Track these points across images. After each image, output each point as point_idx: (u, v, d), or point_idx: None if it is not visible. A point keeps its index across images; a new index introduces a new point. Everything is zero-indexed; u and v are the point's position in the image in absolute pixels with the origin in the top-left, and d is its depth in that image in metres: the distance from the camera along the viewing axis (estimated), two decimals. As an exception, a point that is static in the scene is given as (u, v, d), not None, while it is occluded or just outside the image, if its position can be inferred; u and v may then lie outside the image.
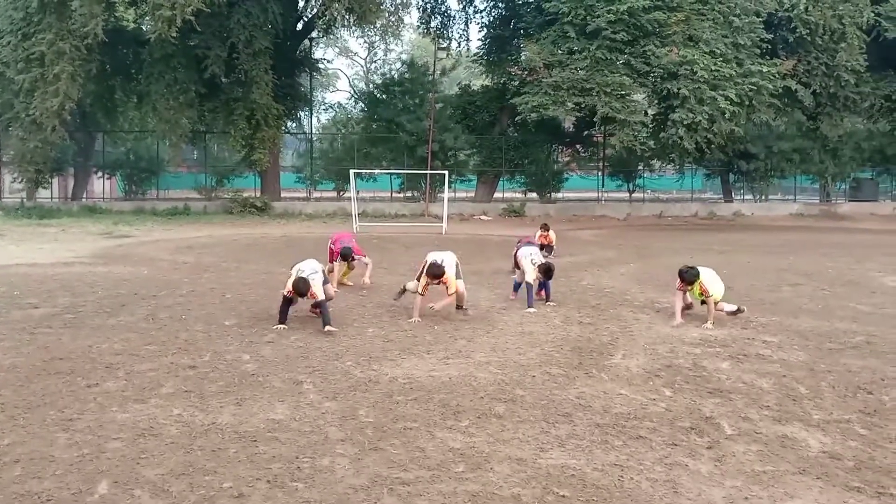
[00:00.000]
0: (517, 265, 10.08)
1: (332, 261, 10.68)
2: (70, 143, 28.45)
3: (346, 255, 10.59)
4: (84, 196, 30.79)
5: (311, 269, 8.10)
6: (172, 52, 24.07)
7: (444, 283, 8.41)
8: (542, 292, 9.62)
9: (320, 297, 7.86)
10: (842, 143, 28.72)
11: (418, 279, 8.49)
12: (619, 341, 7.53)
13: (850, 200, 31.05)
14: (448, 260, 8.73)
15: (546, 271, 9.34)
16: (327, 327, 7.63)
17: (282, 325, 7.87)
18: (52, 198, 28.96)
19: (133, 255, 14.87)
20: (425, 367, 6.46)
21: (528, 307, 9.03)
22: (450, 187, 23.26)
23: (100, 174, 32.06)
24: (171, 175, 32.75)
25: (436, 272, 8.29)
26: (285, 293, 7.89)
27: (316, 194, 32.15)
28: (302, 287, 7.67)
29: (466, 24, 33.73)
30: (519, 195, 31.78)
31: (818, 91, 25.10)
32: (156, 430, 4.82)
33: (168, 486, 3.97)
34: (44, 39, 22.63)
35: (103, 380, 5.93)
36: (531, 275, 9.27)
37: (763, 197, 32.78)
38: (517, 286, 9.82)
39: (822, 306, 9.49)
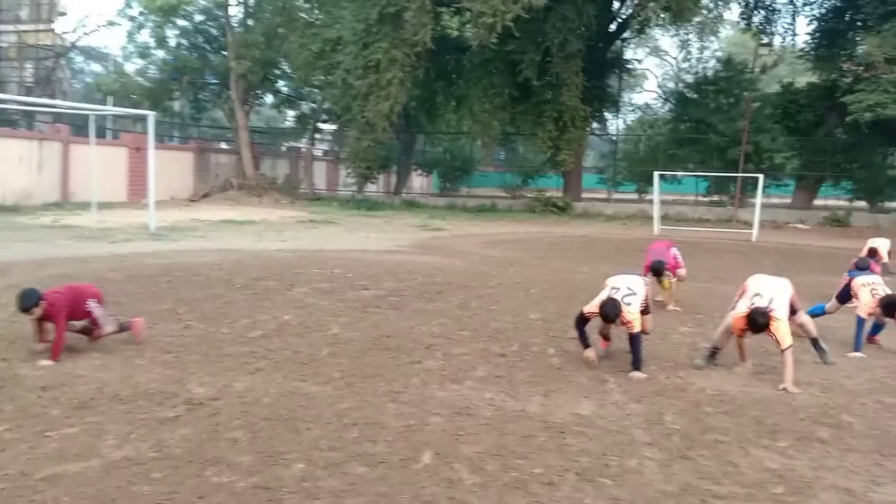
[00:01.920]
0: (846, 295, 7.88)
1: (644, 274, 9.97)
2: (395, 142, 31.32)
3: (659, 270, 9.00)
4: (404, 191, 33.67)
5: (628, 290, 6.35)
6: (490, 58, 25.37)
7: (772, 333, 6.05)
8: (877, 336, 7.64)
9: (635, 328, 6.15)
10: None
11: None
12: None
13: None
14: (779, 293, 6.46)
15: (888, 306, 7.08)
16: (635, 374, 6.06)
17: (590, 353, 6.36)
18: (377, 192, 32.04)
19: (446, 246, 15.92)
20: (737, 380, 6.12)
21: (854, 350, 7.08)
22: (763, 192, 21.70)
23: (419, 171, 34.89)
24: (480, 174, 34.60)
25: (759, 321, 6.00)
26: (586, 312, 6.32)
27: (617, 196, 31.92)
28: (611, 312, 6.07)
29: (793, 18, 31.20)
30: (844, 203, 28.73)
31: None
32: (471, 410, 5.14)
33: (484, 463, 4.21)
34: (380, 48, 25.04)
35: (424, 358, 6.45)
36: (865, 309, 7.24)
37: None
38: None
39: None
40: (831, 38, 27.85)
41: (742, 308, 6.29)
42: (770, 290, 6.42)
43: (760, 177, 21.28)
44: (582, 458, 4.34)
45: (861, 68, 23.31)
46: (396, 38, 24.74)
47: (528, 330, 7.73)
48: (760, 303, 6.22)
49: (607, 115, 33.69)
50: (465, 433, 4.68)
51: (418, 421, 4.88)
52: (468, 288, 10.28)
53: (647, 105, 39.28)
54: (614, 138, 33.73)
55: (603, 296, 6.30)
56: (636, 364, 6.10)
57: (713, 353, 6.56)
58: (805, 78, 32.47)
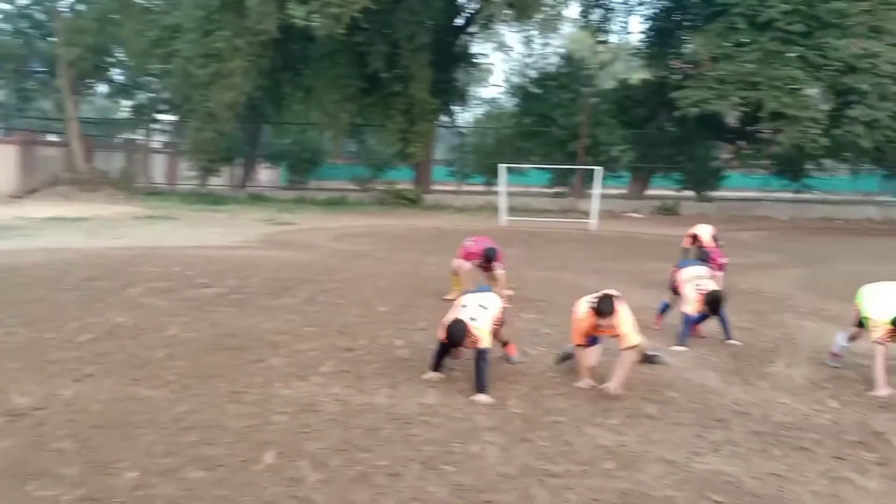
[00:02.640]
0: (675, 289, 7.68)
1: (467, 259, 8.96)
2: (240, 134, 30.36)
3: (491, 257, 8.81)
4: (250, 184, 32.73)
5: (479, 306, 5.79)
6: (337, 49, 25.07)
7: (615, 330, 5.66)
8: (700, 327, 7.49)
9: (483, 344, 5.52)
10: None
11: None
12: (781, 348, 7.14)
13: None
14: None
15: (712, 303, 7.11)
16: (479, 397, 5.33)
17: (435, 374, 5.82)
18: (221, 185, 30.92)
19: (294, 241, 15.64)
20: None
21: (679, 344, 7.03)
22: (601, 184, 22.84)
23: (266, 164, 33.99)
24: (329, 166, 34.21)
25: (605, 309, 5.59)
26: (441, 338, 5.67)
27: (466, 188, 32.53)
28: (457, 334, 5.46)
29: (628, 17, 32.96)
30: (674, 193, 30.72)
31: None
32: (316, 406, 5.07)
33: (328, 459, 4.16)
34: (222, 36, 24.15)
35: (268, 357, 6.29)
36: (691, 305, 7.17)
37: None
38: (664, 308, 7.96)
39: None
40: (662, 36, 29.59)
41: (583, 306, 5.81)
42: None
43: (598, 169, 22.34)
44: (426, 447, 4.38)
45: (689, 66, 24.94)
46: (239, 26, 23.94)
47: (376, 323, 7.72)
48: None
49: (455, 108, 34.24)
50: (309, 430, 4.61)
51: (261, 420, 4.75)
52: (315, 282, 10.13)
53: (494, 99, 40.30)
54: (463, 131, 34.33)
55: (451, 316, 5.69)
56: (480, 386, 5.40)
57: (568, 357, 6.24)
58: (639, 75, 34.40)
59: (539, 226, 20.77)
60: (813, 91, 22.86)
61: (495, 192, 28.57)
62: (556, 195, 29.91)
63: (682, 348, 6.99)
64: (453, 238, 17.11)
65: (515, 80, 39.04)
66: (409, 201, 26.57)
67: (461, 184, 32.74)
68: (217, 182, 30.58)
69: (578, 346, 5.83)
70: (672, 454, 4.42)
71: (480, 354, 5.50)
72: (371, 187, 30.84)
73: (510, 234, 18.11)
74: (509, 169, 22.79)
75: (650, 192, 30.30)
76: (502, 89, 45.54)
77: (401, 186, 28.56)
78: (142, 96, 33.96)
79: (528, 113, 30.86)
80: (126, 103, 37.08)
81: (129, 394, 5.17)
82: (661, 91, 28.24)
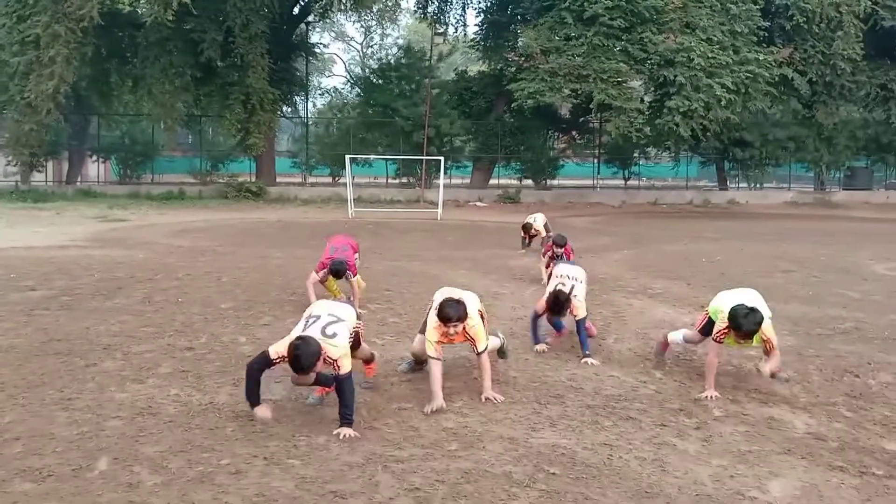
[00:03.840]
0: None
1: (318, 270, 8.03)
2: (65, 126, 28.42)
3: (339, 272, 7.87)
4: (79, 180, 30.74)
5: (330, 316, 4.82)
6: (168, 36, 23.99)
7: (467, 334, 5.23)
8: (560, 333, 6.93)
9: (343, 369, 4.56)
10: (837, 131, 28.84)
11: (423, 331, 5.38)
12: (611, 326, 7.61)
13: (844, 189, 31.18)
14: (469, 300, 5.47)
15: (555, 302, 6.34)
16: (344, 430, 4.49)
17: (262, 412, 4.67)
18: (46, 181, 28.84)
19: (128, 238, 14.90)
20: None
21: (534, 343, 6.66)
22: (445, 173, 23.34)
23: (94, 158, 31.99)
24: (165, 159, 32.73)
25: (449, 314, 5.08)
26: (272, 356, 4.62)
27: (311, 179, 32.16)
28: (303, 359, 4.38)
29: (464, 10, 33.58)
30: (514, 182, 31.82)
31: (814, 80, 25.16)
32: (154, 409, 4.89)
33: (167, 462, 4.04)
34: (39, 22, 22.52)
35: (101, 360, 6.00)
36: (540, 304, 6.62)
37: (758, 185, 32.90)
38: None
39: (812, 293, 9.59)
40: (497, 29, 30.43)
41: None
42: (458, 293, 5.53)
43: (441, 159, 22.76)
44: (271, 442, 4.35)
45: (522, 59, 25.82)
46: (58, 11, 22.43)
47: (217, 321, 7.52)
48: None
49: (297, 98, 33.72)
50: (146, 433, 4.45)
51: (93, 427, 4.53)
52: (152, 281, 9.72)
53: (336, 89, 40.02)
54: (305, 122, 33.85)
55: (293, 334, 4.69)
56: (346, 418, 4.54)
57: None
58: (477, 66, 35.26)
59: (387, 217, 20.91)
60: (636, 83, 24.39)
61: (340, 184, 28.52)
62: (402, 186, 30.21)
63: (539, 347, 6.57)
64: (300, 231, 17.06)
65: (357, 70, 39.02)
66: (252, 194, 25.99)
67: (306, 175, 32.32)
68: (41, 178, 28.49)
69: (432, 358, 5.11)
70: (512, 431, 4.63)
71: (342, 382, 4.55)
72: (211, 180, 29.82)
73: (358, 225, 18.16)
74: (355, 160, 22.77)
75: (493, 181, 31.19)
76: (344, 80, 45.27)
77: (243, 179, 27.84)
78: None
79: (371, 103, 30.94)
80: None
81: (-63, 408, 4.78)
82: (498, 83, 29.13)
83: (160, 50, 24.74)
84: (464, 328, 5.18)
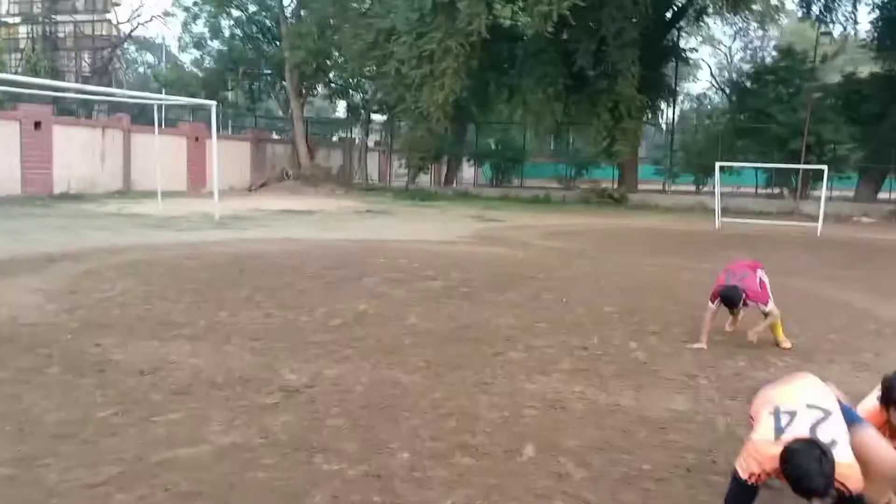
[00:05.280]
0: None
1: (712, 300, 6.75)
2: (447, 133, 31.32)
3: (733, 300, 6.57)
4: (455, 182, 33.67)
5: (814, 411, 3.20)
6: (544, 47, 25.19)
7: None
8: None
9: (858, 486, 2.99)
10: None
11: None
12: None
13: None
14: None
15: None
16: None
17: None
18: (430, 183, 32.07)
19: (506, 237, 15.86)
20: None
21: None
22: (826, 185, 21.24)
23: (471, 162, 34.81)
24: (532, 165, 34.40)
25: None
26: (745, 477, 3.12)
27: (673, 188, 31.48)
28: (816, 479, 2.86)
29: (854, 6, 30.27)
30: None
31: None
32: (563, 403, 5.09)
33: (589, 458, 4.16)
34: (434, 38, 25.02)
35: (506, 350, 6.41)
36: None
37: None
38: None
39: None
40: (894, 26, 26.95)
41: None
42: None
43: (825, 168, 20.73)
44: (688, 454, 4.26)
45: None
46: (450, 28, 24.65)
47: (605, 323, 7.63)
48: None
49: (663, 104, 33.24)
50: (562, 426, 4.63)
51: (513, 413, 4.84)
52: (537, 280, 10.20)
53: (704, 95, 38.66)
54: (671, 129, 33.23)
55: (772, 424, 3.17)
56: None
57: None
58: (868, 67, 31.58)
59: (757, 229, 19.64)
60: None
61: (705, 193, 27.46)
62: (772, 196, 28.22)
63: None
64: (666, 238, 16.75)
65: (725, 74, 37.31)
66: (613, 200, 26.20)
67: (668, 183, 31.71)
68: (425, 179, 31.75)
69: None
70: None
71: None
72: (575, 186, 30.68)
73: (726, 236, 17.35)
74: (722, 168, 21.74)
75: (884, 195, 27.71)
76: (710, 85, 43.58)
77: (605, 185, 28.19)
78: (356, 97, 35.99)
79: (742, 109, 29.37)
80: (341, 104, 39.52)
81: (387, 377, 5.46)
82: (893, 85, 25.76)
83: (536, 61, 26.04)
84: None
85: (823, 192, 20.91)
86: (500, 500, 3.62)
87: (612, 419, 4.81)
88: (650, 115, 32.35)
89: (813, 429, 3.08)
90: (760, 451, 3.08)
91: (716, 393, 5.43)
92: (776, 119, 26.78)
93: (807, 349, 6.75)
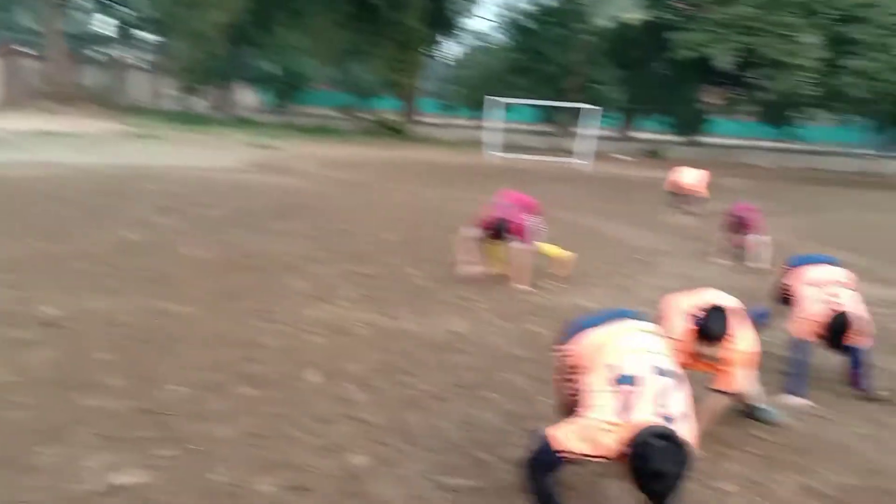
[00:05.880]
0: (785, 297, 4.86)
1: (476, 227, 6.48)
2: (223, 55, 29.58)
3: (499, 231, 6.40)
4: (232, 107, 32.07)
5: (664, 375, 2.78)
6: (328, -29, 24.37)
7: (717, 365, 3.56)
8: (857, 376, 4.48)
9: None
10: None
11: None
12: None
13: None
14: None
15: (834, 328, 4.28)
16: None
17: None
18: (205, 106, 30.25)
19: (286, 167, 15.43)
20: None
21: (791, 392, 4.32)
22: (597, 124, 22.79)
23: (248, 87, 33.22)
24: (313, 93, 33.56)
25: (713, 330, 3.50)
26: (558, 448, 2.65)
27: (453, 121, 32.22)
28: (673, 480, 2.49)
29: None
30: (661, 136, 30.73)
31: None
32: (347, 329, 5.07)
33: (372, 381, 4.19)
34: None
35: (289, 279, 6.26)
36: (804, 328, 4.40)
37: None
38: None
39: None
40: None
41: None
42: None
43: (597, 108, 22.13)
44: (468, 373, 4.42)
45: (690, 8, 24.57)
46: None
47: (387, 252, 7.68)
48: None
49: (445, 39, 33.63)
50: (347, 351, 4.62)
51: (296, 340, 4.75)
52: (316, 209, 10.06)
53: (485, 32, 39.54)
54: (452, 63, 33.80)
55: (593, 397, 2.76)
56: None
57: None
58: (637, 15, 33.82)
59: (529, 164, 20.67)
60: (810, 39, 22.76)
61: (482, 127, 28.38)
62: (544, 133, 29.78)
63: (800, 401, 4.29)
64: (445, 171, 17.14)
65: (508, 13, 38.34)
66: (395, 132, 26.31)
67: (449, 117, 32.39)
68: (200, 103, 29.94)
69: None
70: None
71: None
72: (356, 116, 30.43)
73: (500, 170, 18.03)
74: (496, 104, 22.53)
75: (639, 134, 30.25)
76: (493, 22, 44.74)
77: (388, 117, 28.23)
78: (124, 13, 32.80)
79: (520, 48, 30.40)
80: (109, 21, 35.86)
81: (159, 308, 5.12)
82: (658, 32, 27.90)
83: (319, -16, 25.18)
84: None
85: (592, 132, 22.38)
86: (283, 427, 3.55)
87: (395, 343, 4.87)
88: (433, 49, 32.64)
89: (660, 404, 2.57)
90: (596, 436, 2.57)
91: (492, 315, 5.67)
92: (551, 59, 28.08)
93: (573, 274, 7.23)
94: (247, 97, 34.52)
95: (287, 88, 32.75)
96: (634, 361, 2.74)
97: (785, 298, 4.86)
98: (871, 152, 32.24)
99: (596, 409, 2.63)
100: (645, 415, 2.55)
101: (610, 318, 3.07)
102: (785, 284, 4.89)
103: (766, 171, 24.75)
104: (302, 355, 4.49)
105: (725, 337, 3.49)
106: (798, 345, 4.36)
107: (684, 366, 3.24)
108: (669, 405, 2.60)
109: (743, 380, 3.65)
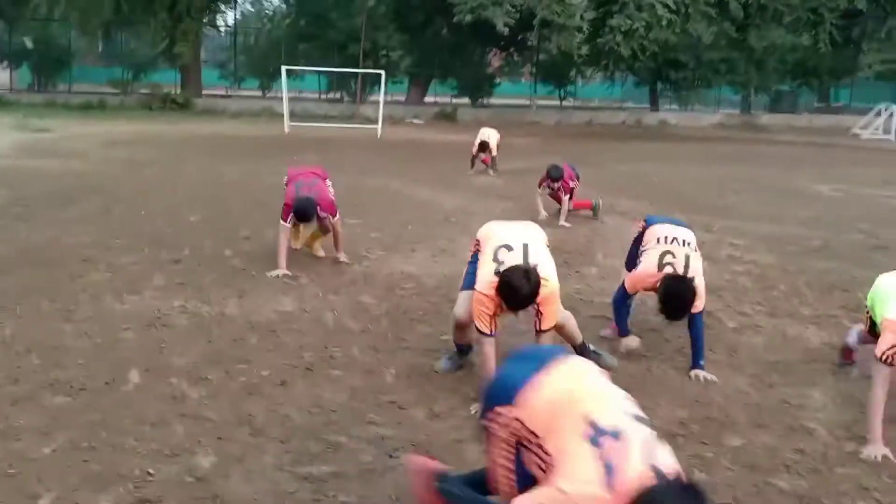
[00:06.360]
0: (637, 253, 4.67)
1: (285, 217, 5.88)
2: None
3: (307, 213, 5.79)
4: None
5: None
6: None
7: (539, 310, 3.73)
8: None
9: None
10: (767, 54, 29.36)
11: (467, 286, 3.94)
12: (594, 244, 7.61)
13: (769, 112, 32.05)
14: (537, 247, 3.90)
15: (667, 295, 4.06)
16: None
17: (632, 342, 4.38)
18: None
19: (58, 149, 14.04)
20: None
21: (620, 336, 4.50)
22: (385, 89, 22.77)
23: (5, 64, 29.70)
24: (82, 68, 30.71)
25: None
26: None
27: (239, 92, 30.90)
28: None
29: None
30: (450, 99, 31.38)
31: (749, 2, 25.34)
32: (164, 320, 4.67)
33: (204, 374, 3.88)
34: None
35: (86, 272, 5.68)
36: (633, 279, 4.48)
37: (689, 107, 33.39)
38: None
39: (772, 213, 9.84)
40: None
41: None
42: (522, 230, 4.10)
43: (383, 73, 22.11)
44: (305, 353, 4.22)
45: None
46: None
47: (192, 233, 7.20)
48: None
49: (225, 6, 31.99)
50: (168, 345, 4.26)
51: (107, 338, 4.30)
52: (104, 192, 9.25)
53: (260, -1, 38.11)
54: (233, 31, 32.23)
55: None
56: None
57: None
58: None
59: (325, 133, 20.28)
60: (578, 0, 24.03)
61: (271, 97, 27.52)
62: (334, 101, 29.41)
63: (634, 341, 4.44)
64: (238, 145, 16.39)
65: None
66: (178, 105, 24.80)
67: (234, 88, 31.02)
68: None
69: (484, 335, 3.67)
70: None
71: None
72: (132, 91, 28.30)
73: (296, 141, 17.54)
74: (288, 73, 21.88)
75: (429, 98, 30.67)
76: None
77: (167, 90, 26.51)
78: None
79: (301, 14, 29.68)
80: None
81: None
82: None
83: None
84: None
85: (382, 97, 22.37)
86: (110, 436, 3.18)
87: (220, 330, 4.56)
88: (211, 18, 30.93)
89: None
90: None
91: (319, 290, 5.48)
92: (335, 24, 27.63)
93: (390, 241, 7.17)
94: (2, 76, 30.88)
95: (46, 64, 29.67)
96: (609, 409, 2.12)
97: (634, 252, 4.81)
98: (638, 105, 34.99)
99: (571, 478, 1.94)
100: (635, 473, 1.88)
101: (543, 361, 2.33)
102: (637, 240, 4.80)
103: (548, 128, 26.10)
104: (116, 354, 4.08)
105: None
106: (622, 291, 4.51)
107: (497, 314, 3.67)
108: (658, 458, 1.96)
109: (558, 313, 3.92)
